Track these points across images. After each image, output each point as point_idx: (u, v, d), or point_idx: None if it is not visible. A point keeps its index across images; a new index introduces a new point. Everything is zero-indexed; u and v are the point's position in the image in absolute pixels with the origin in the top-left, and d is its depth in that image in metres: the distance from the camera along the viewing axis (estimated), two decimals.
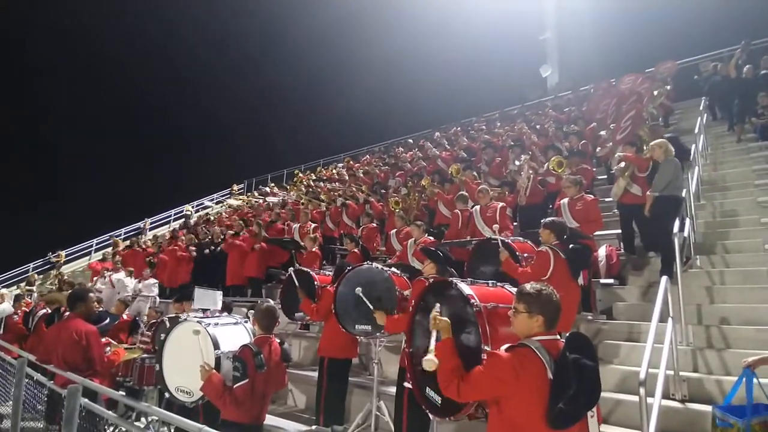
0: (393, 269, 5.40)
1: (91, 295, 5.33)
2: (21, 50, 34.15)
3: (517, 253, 5.35)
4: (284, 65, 42.16)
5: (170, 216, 23.32)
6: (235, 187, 25.37)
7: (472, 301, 2.96)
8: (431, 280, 3.71)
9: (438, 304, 2.96)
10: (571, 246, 5.10)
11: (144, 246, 15.44)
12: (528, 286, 2.59)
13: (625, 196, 7.01)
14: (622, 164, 7.12)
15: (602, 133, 9.77)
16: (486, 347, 2.77)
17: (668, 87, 12.00)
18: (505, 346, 2.52)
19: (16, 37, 33.11)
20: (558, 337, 2.54)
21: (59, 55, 34.14)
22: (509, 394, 2.40)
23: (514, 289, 3.28)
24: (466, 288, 3.09)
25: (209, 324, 4.28)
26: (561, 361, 2.35)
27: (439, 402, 3.09)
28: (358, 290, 4.99)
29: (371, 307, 4.86)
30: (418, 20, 29.84)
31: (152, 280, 11.89)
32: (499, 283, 3.44)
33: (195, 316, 4.54)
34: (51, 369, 4.93)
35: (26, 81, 34.91)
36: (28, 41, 35.11)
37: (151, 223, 20.17)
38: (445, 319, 2.80)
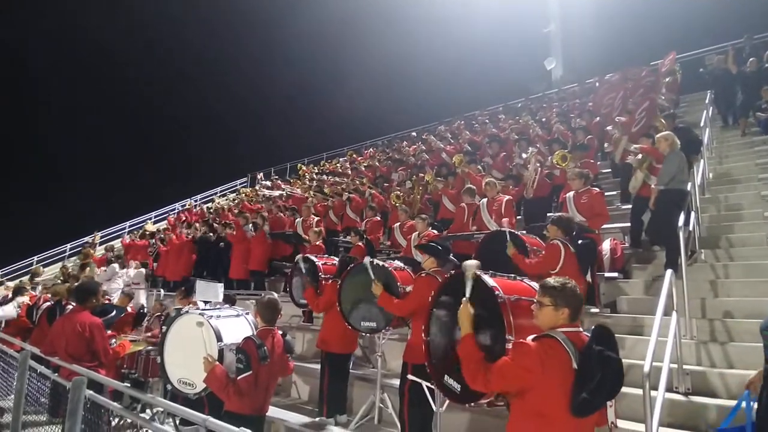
0: (397, 263, 5.39)
1: (102, 289, 5.35)
2: (18, 46, 34.13)
3: (527, 245, 5.34)
4: (287, 59, 42.12)
5: (174, 210, 23.43)
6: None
7: (497, 292, 2.96)
8: (453, 272, 3.69)
9: (469, 290, 2.96)
10: (579, 241, 5.10)
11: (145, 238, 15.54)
12: (552, 280, 2.65)
13: (643, 189, 6.94)
14: (639, 156, 7.06)
15: (609, 128, 9.73)
16: (510, 337, 2.79)
17: (676, 77, 11.95)
18: (531, 336, 2.57)
19: (12, 32, 33.09)
20: (580, 329, 2.60)
21: (57, 51, 34.17)
22: (535, 384, 2.44)
23: (532, 283, 3.31)
24: (489, 280, 3.08)
25: (212, 316, 4.29)
26: (586, 352, 2.42)
27: (459, 389, 3.10)
28: (367, 260, 5.07)
29: (373, 277, 4.92)
30: (422, 14, 29.75)
31: (137, 271, 11.98)
32: (518, 277, 3.45)
33: (197, 309, 4.55)
34: (56, 362, 4.96)
35: (26, 78, 34.94)
36: (24, 37, 35.09)
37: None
38: (470, 310, 2.83)
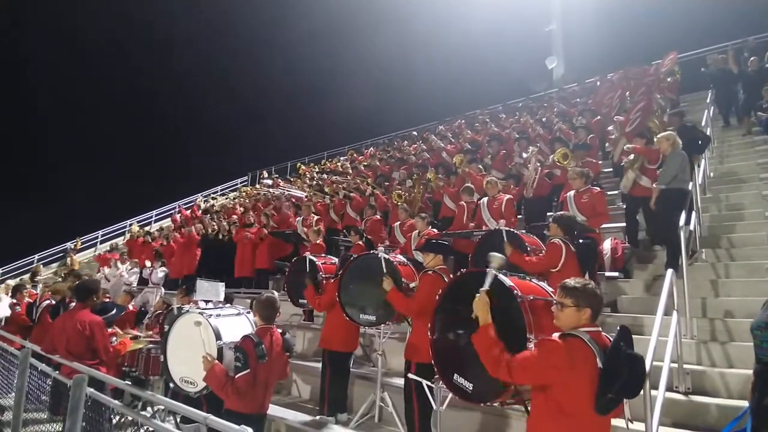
0: (400, 258, 5.38)
1: (102, 287, 5.36)
2: (18, 46, 34.07)
3: (526, 244, 5.33)
4: (288, 58, 42.09)
5: (176, 208, 23.44)
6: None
7: (515, 292, 2.95)
8: (461, 272, 3.69)
9: (489, 281, 2.94)
10: (580, 241, 5.09)
11: (152, 237, 15.58)
12: (572, 281, 2.68)
13: (634, 189, 6.98)
14: (631, 156, 7.07)
15: (610, 128, 9.72)
16: (531, 336, 2.81)
17: (676, 77, 11.94)
18: (556, 334, 2.59)
19: (12, 31, 33.01)
20: (600, 329, 2.63)
21: (57, 51, 34.10)
22: (561, 381, 2.46)
23: (541, 283, 3.32)
24: (507, 280, 3.07)
25: (211, 315, 4.30)
26: (613, 352, 2.46)
27: (471, 389, 3.08)
28: (382, 254, 5.07)
29: (385, 270, 4.91)
30: (423, 13, 29.70)
31: (161, 271, 12.02)
32: (527, 277, 3.45)
33: (197, 308, 4.56)
34: (56, 359, 4.96)
35: (26, 77, 34.88)
36: (21, 32, 34.94)
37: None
38: (487, 300, 2.82)
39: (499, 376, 2.67)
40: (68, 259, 16.96)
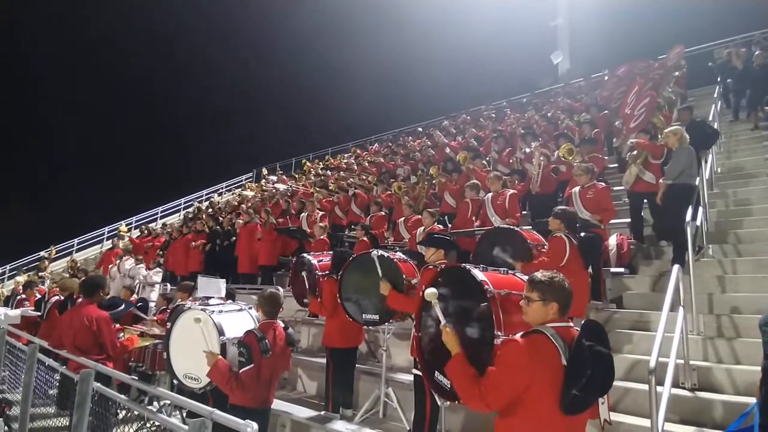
0: (400, 255, 5.37)
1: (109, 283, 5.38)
2: (15, 40, 34.12)
3: (528, 241, 5.31)
4: (292, 55, 42.02)
5: (180, 205, 23.54)
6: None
7: (486, 287, 2.91)
8: (442, 266, 3.66)
9: (441, 315, 2.86)
10: (582, 234, 5.06)
11: (155, 234, 15.66)
12: (539, 275, 2.56)
13: (637, 184, 6.94)
14: (635, 151, 7.04)
15: (617, 123, 9.66)
16: (499, 333, 2.74)
17: (683, 71, 11.86)
18: (519, 333, 2.49)
19: (10, 22, 33.03)
20: (571, 324, 2.51)
21: (61, 50, 34.17)
22: (527, 382, 2.34)
23: (524, 277, 3.25)
24: (479, 274, 3.04)
25: (213, 311, 4.32)
26: (576, 348, 2.33)
27: (449, 386, 3.07)
28: (375, 253, 5.03)
29: (381, 274, 4.88)
30: (428, 8, 29.57)
31: (157, 269, 12.10)
32: (510, 271, 3.39)
33: (199, 304, 4.58)
34: (64, 354, 5.00)
35: (31, 76, 34.98)
36: (23, 28, 35.02)
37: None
38: (451, 332, 2.74)
39: (474, 406, 2.53)
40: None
